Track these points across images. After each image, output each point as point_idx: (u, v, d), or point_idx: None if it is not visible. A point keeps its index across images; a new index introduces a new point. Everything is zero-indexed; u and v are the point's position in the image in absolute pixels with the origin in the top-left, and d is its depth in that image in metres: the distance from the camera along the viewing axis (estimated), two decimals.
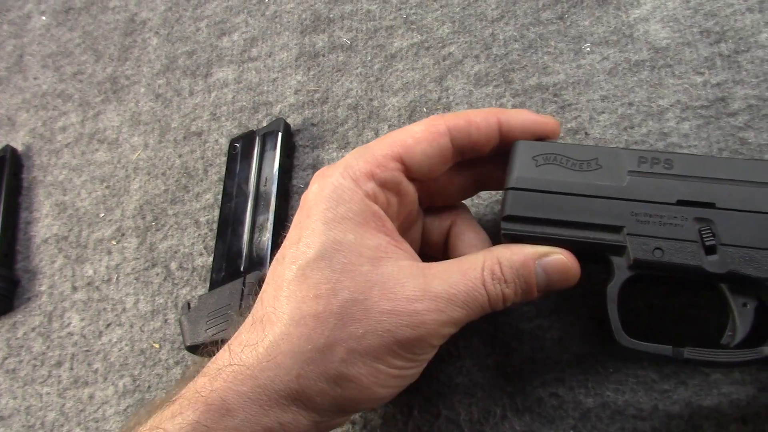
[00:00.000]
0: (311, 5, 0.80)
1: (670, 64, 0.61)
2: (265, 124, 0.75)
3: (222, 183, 0.73)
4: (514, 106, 0.65)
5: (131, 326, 0.71)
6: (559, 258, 0.48)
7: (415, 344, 0.46)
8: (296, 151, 0.73)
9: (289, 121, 0.74)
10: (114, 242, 0.76)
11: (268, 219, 0.68)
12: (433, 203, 0.55)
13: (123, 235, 0.76)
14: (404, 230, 0.53)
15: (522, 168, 0.50)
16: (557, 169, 0.50)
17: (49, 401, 0.71)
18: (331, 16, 0.78)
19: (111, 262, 0.75)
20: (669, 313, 0.53)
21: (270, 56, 0.79)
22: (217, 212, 0.72)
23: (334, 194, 0.48)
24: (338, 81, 0.74)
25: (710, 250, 0.46)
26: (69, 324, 0.74)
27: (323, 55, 0.76)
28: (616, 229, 0.48)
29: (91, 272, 0.75)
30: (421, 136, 0.49)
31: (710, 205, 0.47)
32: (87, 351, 0.72)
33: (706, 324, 0.52)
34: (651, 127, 0.59)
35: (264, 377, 0.45)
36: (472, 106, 0.67)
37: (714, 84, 0.59)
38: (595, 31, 0.65)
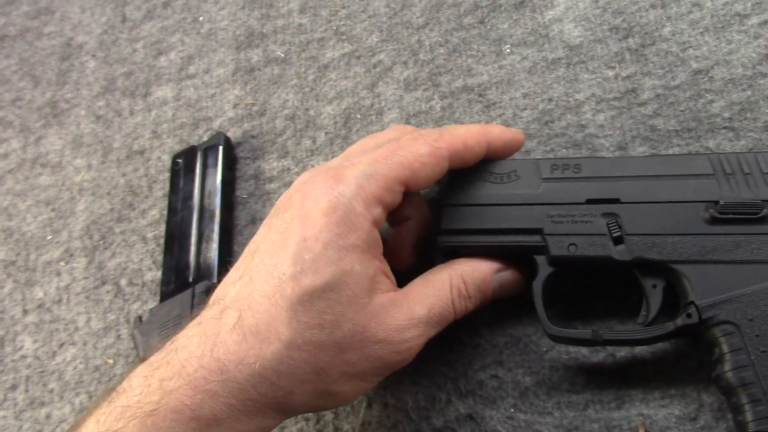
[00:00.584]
0: (244, 21, 0.82)
1: (584, 60, 0.65)
2: (205, 138, 0.77)
3: (167, 198, 0.75)
4: (442, 108, 0.68)
5: (84, 344, 0.72)
6: (512, 272, 0.54)
7: (398, 365, 0.50)
8: (238, 163, 0.75)
9: (229, 134, 0.76)
10: (63, 263, 0.77)
11: (213, 230, 0.70)
12: None
13: (71, 255, 0.77)
14: None
15: (450, 187, 0.55)
16: (482, 184, 0.55)
17: (6, 424, 0.71)
18: (264, 31, 0.80)
19: (61, 283, 0.76)
20: (595, 299, 0.57)
21: (207, 73, 0.81)
22: (163, 227, 0.74)
23: (347, 219, 0.47)
24: (275, 93, 0.77)
25: (617, 241, 0.51)
26: (22, 347, 0.74)
27: (259, 69, 0.79)
28: (536, 232, 0.53)
29: (41, 294, 0.76)
30: (427, 161, 0.50)
31: (615, 201, 0.52)
32: (41, 372, 0.72)
33: (628, 306, 0.56)
34: (569, 120, 0.63)
35: (256, 392, 0.45)
36: (403, 111, 0.70)
37: (624, 77, 0.63)
38: (514, 33, 0.69)
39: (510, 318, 0.58)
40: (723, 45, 0.61)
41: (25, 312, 0.76)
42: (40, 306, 0.76)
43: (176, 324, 0.65)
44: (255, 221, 0.71)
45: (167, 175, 0.77)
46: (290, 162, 0.72)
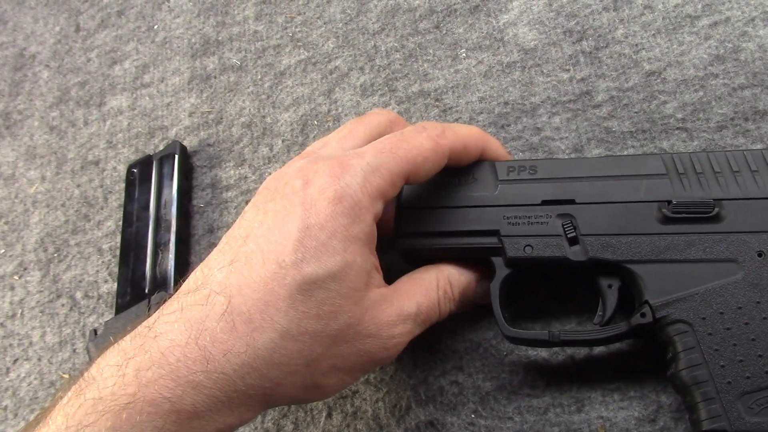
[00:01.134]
0: (200, 29, 0.81)
1: (539, 63, 0.65)
2: (161, 148, 0.75)
3: (122, 209, 0.74)
4: (399, 113, 0.68)
5: (39, 359, 0.71)
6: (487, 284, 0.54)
7: (384, 361, 0.49)
8: (194, 171, 0.74)
9: (185, 143, 0.75)
10: (16, 277, 0.75)
11: (169, 240, 0.69)
12: None
13: (25, 269, 0.76)
14: None
15: (409, 189, 0.55)
16: (440, 186, 0.55)
17: None
18: (219, 38, 0.80)
19: (15, 297, 0.75)
20: (554, 301, 0.57)
21: (162, 81, 0.80)
22: (119, 238, 0.73)
23: (353, 211, 0.46)
24: (231, 101, 0.76)
25: (572, 242, 0.51)
26: None
27: (215, 77, 0.78)
28: (493, 233, 0.53)
29: None
30: (429, 156, 0.49)
31: (570, 202, 0.52)
32: None
33: (588, 308, 0.56)
34: (525, 123, 0.63)
35: (243, 383, 0.43)
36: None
37: (579, 79, 0.63)
38: (470, 37, 0.69)
39: (470, 323, 0.58)
40: (675, 46, 0.62)
41: None
42: None
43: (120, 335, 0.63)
44: (212, 230, 0.70)
45: (123, 185, 0.75)
46: (247, 170, 0.71)
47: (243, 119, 0.74)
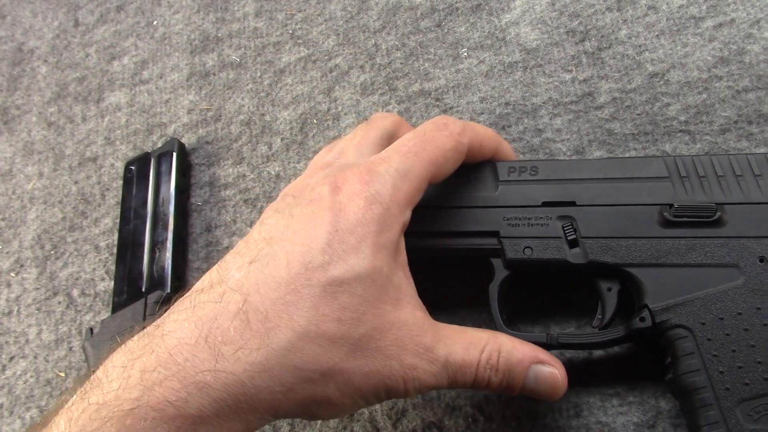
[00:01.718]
0: (199, 25, 0.81)
1: (541, 63, 0.65)
2: (160, 145, 0.75)
3: (120, 206, 0.73)
4: (399, 113, 0.67)
5: (35, 357, 0.70)
6: (553, 371, 0.48)
7: (398, 395, 0.46)
8: (192, 169, 0.73)
9: (183, 140, 0.74)
10: (13, 274, 0.75)
11: (167, 239, 0.68)
12: None
13: (22, 266, 0.75)
14: None
15: None
16: (440, 186, 0.53)
17: None
18: (219, 35, 0.79)
19: (11, 294, 0.74)
20: (555, 304, 0.56)
21: (161, 78, 0.80)
22: (116, 236, 0.72)
23: (383, 219, 0.45)
24: (230, 98, 0.75)
25: (572, 244, 0.51)
26: None
27: (214, 74, 0.77)
28: (493, 234, 0.52)
29: None
30: (450, 156, 0.49)
31: (571, 204, 0.51)
32: None
33: (588, 311, 0.55)
34: (527, 124, 0.63)
35: (252, 386, 0.41)
36: (360, 115, 0.69)
37: (581, 80, 0.63)
38: (471, 36, 0.68)
39: (468, 325, 0.57)
40: (678, 48, 0.61)
41: None
42: None
43: (129, 336, 0.63)
44: (210, 229, 0.70)
45: (120, 182, 0.75)
46: (246, 168, 0.71)
47: (242, 117, 0.74)
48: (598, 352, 0.54)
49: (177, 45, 0.81)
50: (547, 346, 0.50)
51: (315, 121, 0.70)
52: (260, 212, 0.68)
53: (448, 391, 0.56)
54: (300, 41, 0.75)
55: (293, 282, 0.43)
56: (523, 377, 0.48)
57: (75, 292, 0.72)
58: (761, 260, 0.47)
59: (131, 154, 0.76)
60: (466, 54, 0.68)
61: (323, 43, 0.74)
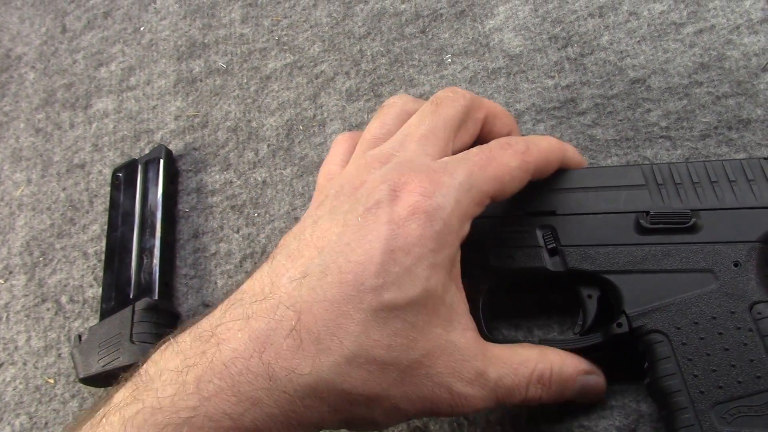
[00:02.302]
0: (186, 32, 0.81)
1: (524, 69, 0.65)
2: (147, 151, 0.75)
3: (107, 213, 0.73)
4: None
5: (24, 364, 0.70)
6: (598, 379, 0.50)
7: (446, 415, 0.45)
8: (179, 176, 0.74)
9: (171, 146, 0.75)
10: (2, 281, 0.75)
11: (154, 245, 0.69)
12: None
13: (10, 273, 0.75)
14: None
15: None
16: None
17: None
18: (205, 41, 0.79)
19: (0, 301, 0.74)
20: (536, 310, 0.57)
21: (148, 84, 0.80)
22: (104, 243, 0.72)
23: (442, 236, 0.43)
24: (217, 104, 0.75)
25: (552, 252, 0.51)
26: None
27: (201, 80, 0.78)
28: (478, 245, 0.52)
29: None
30: (516, 175, 0.47)
31: (551, 213, 0.52)
32: None
33: (572, 319, 0.56)
34: None
35: (303, 405, 0.41)
36: (346, 122, 0.69)
37: (564, 86, 0.63)
38: (455, 42, 0.69)
39: None
40: (660, 54, 0.62)
41: None
42: None
43: (116, 344, 0.63)
44: (197, 235, 0.70)
45: (108, 189, 0.75)
46: (232, 175, 0.71)
47: (229, 123, 0.74)
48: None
49: (164, 51, 0.81)
50: None
51: (301, 127, 0.71)
52: (247, 218, 0.69)
53: None
54: (286, 47, 0.76)
55: (345, 304, 0.41)
56: (572, 390, 0.48)
57: (64, 299, 0.72)
58: (735, 265, 0.48)
59: (119, 161, 0.77)
60: (450, 60, 0.68)
61: (309, 49, 0.74)
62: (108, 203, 0.74)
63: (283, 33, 0.76)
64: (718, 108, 0.58)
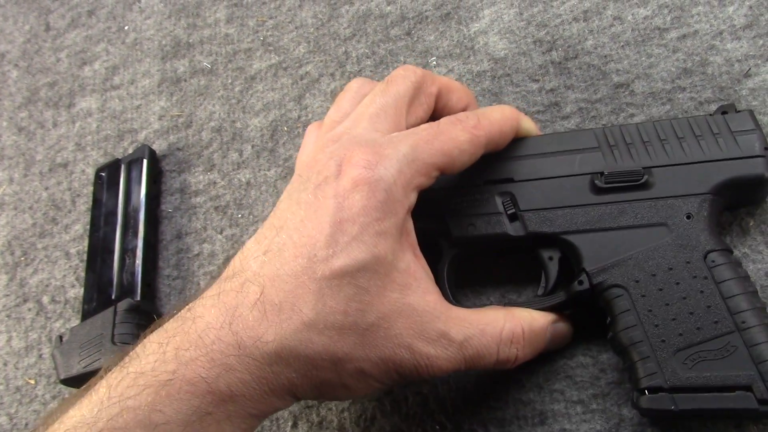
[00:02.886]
0: (170, 31, 0.81)
1: (509, 73, 0.65)
2: (131, 151, 0.75)
3: (90, 213, 0.73)
4: None
5: (5, 364, 0.70)
6: (564, 325, 0.53)
7: (412, 379, 0.48)
8: (163, 176, 0.73)
9: (155, 146, 0.74)
10: None
11: (137, 246, 0.69)
12: None
13: None
14: None
15: None
16: None
17: None
18: (190, 41, 0.79)
19: None
20: (503, 277, 0.59)
21: (132, 83, 0.80)
22: (87, 243, 0.72)
23: (386, 204, 0.46)
24: (201, 105, 0.75)
25: (512, 218, 0.54)
26: None
27: (185, 80, 0.77)
28: (439, 216, 0.55)
29: None
30: (466, 149, 0.49)
31: (509, 180, 0.54)
32: None
33: (535, 281, 0.57)
34: None
35: (271, 371, 0.44)
36: None
37: (548, 90, 0.63)
38: (440, 45, 0.69)
39: None
40: (643, 59, 0.62)
41: None
42: None
43: (97, 344, 0.63)
44: (180, 236, 0.70)
45: (91, 188, 0.75)
46: (216, 175, 0.71)
47: (213, 123, 0.74)
48: (562, 361, 0.55)
49: (148, 51, 0.81)
50: None
51: (285, 128, 0.71)
52: (231, 219, 0.68)
53: (416, 397, 0.56)
54: (271, 48, 0.75)
55: (301, 275, 0.44)
56: (544, 342, 0.51)
57: (45, 299, 0.72)
58: (688, 217, 0.50)
59: (102, 160, 0.76)
60: (435, 62, 0.68)
61: (294, 50, 0.74)
62: (91, 203, 0.74)
63: (269, 33, 0.76)
64: (700, 113, 0.59)
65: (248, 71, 0.75)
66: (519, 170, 0.54)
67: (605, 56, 0.63)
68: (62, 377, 0.64)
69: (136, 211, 0.70)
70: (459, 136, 0.49)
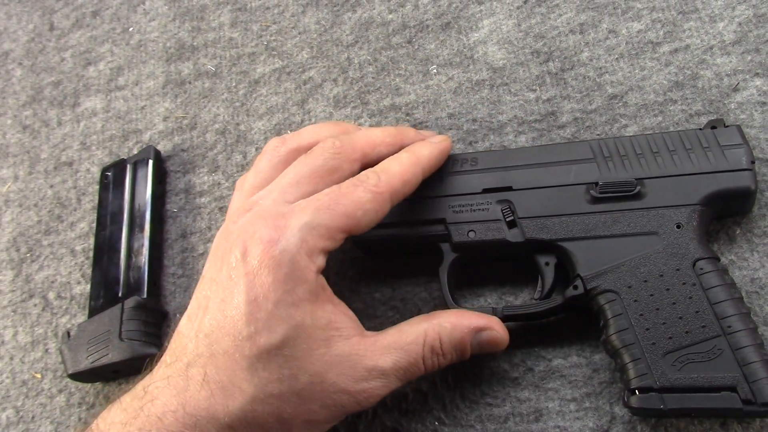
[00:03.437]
0: (175, 33, 0.82)
1: (507, 82, 0.68)
2: (135, 151, 0.76)
3: (96, 211, 0.74)
4: (371, 126, 0.70)
5: (11, 358, 0.72)
6: (493, 334, 0.54)
7: (359, 410, 0.52)
8: (168, 176, 0.75)
9: (159, 147, 0.76)
10: None
11: (143, 245, 0.70)
12: None
13: None
14: None
15: None
16: None
17: None
18: (195, 44, 0.81)
19: None
20: (501, 281, 0.61)
21: (137, 84, 0.81)
22: (92, 240, 0.73)
23: (293, 275, 0.48)
24: (205, 107, 0.77)
25: (511, 225, 0.57)
26: None
27: (189, 82, 0.79)
28: (440, 222, 0.58)
29: None
30: (370, 207, 0.51)
31: (508, 189, 0.57)
32: None
33: (532, 286, 0.60)
34: (492, 140, 0.66)
35: None
36: None
37: (545, 100, 0.66)
38: (441, 53, 0.71)
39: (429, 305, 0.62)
40: (637, 71, 0.64)
41: None
42: None
43: (104, 340, 0.65)
44: (185, 235, 0.72)
45: (96, 187, 0.76)
46: (221, 176, 0.73)
47: (217, 126, 0.75)
48: (557, 361, 0.57)
49: (153, 52, 0.82)
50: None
51: (289, 132, 0.72)
52: None
53: (415, 394, 0.58)
54: (275, 53, 0.77)
55: (233, 353, 0.48)
56: (468, 348, 0.54)
57: (51, 295, 0.73)
58: (678, 226, 0.53)
59: (107, 160, 0.78)
60: (435, 71, 0.71)
61: (297, 55, 0.76)
62: (96, 201, 0.75)
63: (272, 38, 0.78)
64: (690, 125, 0.61)
65: (252, 75, 0.77)
66: (517, 179, 0.57)
67: (600, 68, 0.66)
68: (70, 372, 0.65)
69: (142, 210, 0.72)
70: (361, 197, 0.51)
